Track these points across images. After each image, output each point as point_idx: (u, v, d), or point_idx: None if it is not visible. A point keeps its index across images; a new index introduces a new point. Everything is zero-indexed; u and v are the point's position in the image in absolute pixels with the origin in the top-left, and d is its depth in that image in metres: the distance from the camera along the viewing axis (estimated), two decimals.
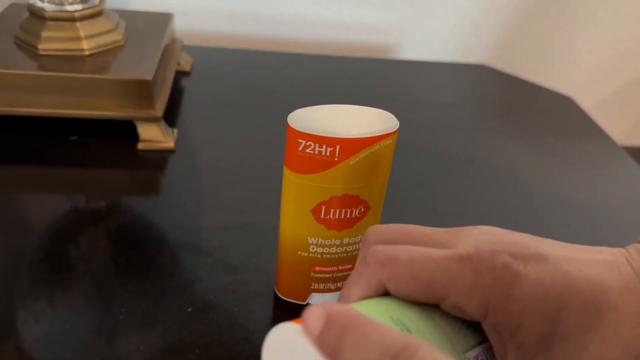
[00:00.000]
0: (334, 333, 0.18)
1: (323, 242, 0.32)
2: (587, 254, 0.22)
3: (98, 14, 0.51)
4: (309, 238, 0.32)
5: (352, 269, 0.34)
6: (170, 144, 0.49)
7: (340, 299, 0.24)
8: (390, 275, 0.22)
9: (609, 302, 0.21)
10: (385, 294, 0.23)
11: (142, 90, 0.47)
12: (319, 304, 0.19)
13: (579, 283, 0.21)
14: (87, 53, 0.50)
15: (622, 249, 0.23)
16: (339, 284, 0.34)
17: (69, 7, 0.49)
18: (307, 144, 0.28)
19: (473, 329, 0.22)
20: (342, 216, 0.31)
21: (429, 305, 0.22)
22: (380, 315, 0.21)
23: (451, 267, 0.21)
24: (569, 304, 0.21)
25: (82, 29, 0.50)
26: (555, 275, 0.21)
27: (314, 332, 0.18)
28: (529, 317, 0.20)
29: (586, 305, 0.21)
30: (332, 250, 0.32)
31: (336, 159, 0.28)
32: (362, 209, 0.31)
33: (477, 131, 0.59)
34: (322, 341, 0.18)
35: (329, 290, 0.34)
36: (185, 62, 0.63)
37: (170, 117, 0.54)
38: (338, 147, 0.28)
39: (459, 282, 0.21)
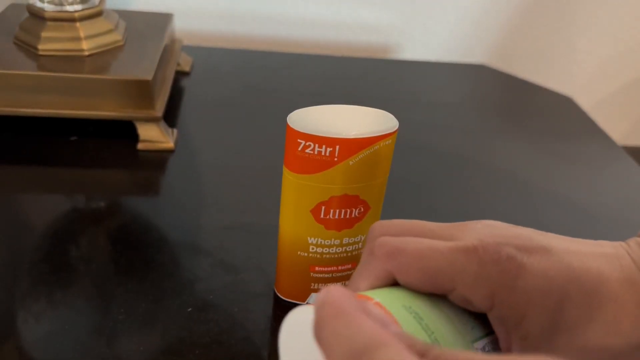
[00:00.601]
0: (318, 320, 0.18)
1: (323, 242, 0.32)
2: (588, 247, 0.23)
3: (98, 14, 0.51)
4: (308, 238, 0.32)
5: (352, 268, 0.34)
6: (170, 144, 0.49)
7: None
8: (398, 266, 0.22)
9: (609, 293, 0.21)
10: (392, 285, 0.23)
11: (142, 91, 0.47)
12: (332, 286, 0.19)
13: (581, 275, 0.21)
14: (87, 53, 0.50)
15: (622, 243, 0.23)
16: (338, 284, 0.34)
17: (69, 8, 0.49)
18: (307, 144, 0.28)
19: (479, 320, 0.23)
20: (342, 216, 0.31)
21: (436, 296, 0.22)
22: (394, 304, 0.21)
23: (457, 259, 0.21)
24: (571, 295, 0.21)
25: (82, 29, 0.50)
26: (558, 268, 0.21)
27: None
28: (533, 309, 0.21)
29: (588, 297, 0.21)
30: (332, 250, 0.32)
31: (336, 159, 0.28)
32: (362, 209, 0.31)
33: (477, 131, 0.59)
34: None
35: None
36: (185, 62, 0.63)
37: (170, 117, 0.54)
38: (338, 147, 0.28)
39: (465, 274, 0.21)
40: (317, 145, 0.28)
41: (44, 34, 0.49)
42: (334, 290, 0.18)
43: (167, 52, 0.56)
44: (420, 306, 0.22)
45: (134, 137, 0.49)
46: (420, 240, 0.23)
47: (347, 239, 0.32)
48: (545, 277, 0.21)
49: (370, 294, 0.22)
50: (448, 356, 0.16)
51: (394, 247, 0.23)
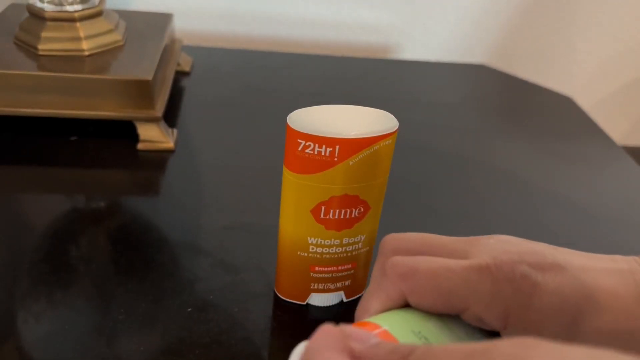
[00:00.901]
0: None
1: (323, 242, 0.32)
2: (602, 263, 0.23)
3: (98, 14, 0.51)
4: (308, 238, 0.32)
5: (352, 268, 0.34)
6: (170, 144, 0.49)
7: (360, 311, 0.24)
8: (411, 288, 0.22)
9: (625, 310, 0.21)
10: (405, 305, 0.23)
11: (142, 91, 0.47)
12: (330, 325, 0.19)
13: (595, 292, 0.21)
14: (87, 53, 0.50)
15: (636, 257, 0.23)
16: (338, 284, 0.34)
17: (69, 8, 0.49)
18: (307, 144, 0.28)
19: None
20: (342, 216, 0.31)
21: (448, 316, 0.22)
22: (402, 329, 0.21)
23: (471, 278, 0.21)
24: (586, 313, 0.21)
25: (82, 29, 0.50)
26: (573, 285, 0.21)
27: None
28: (548, 327, 0.21)
29: (602, 313, 0.21)
30: (332, 250, 0.32)
31: (336, 159, 0.28)
32: (362, 209, 0.31)
33: (477, 131, 0.59)
34: None
35: (328, 290, 0.34)
36: (185, 62, 0.63)
37: (170, 117, 0.54)
38: (338, 147, 0.28)
39: (478, 293, 0.21)
40: (317, 145, 0.28)
41: (44, 34, 0.49)
42: (318, 332, 0.19)
43: (167, 52, 0.56)
44: (430, 329, 0.21)
45: (134, 137, 0.49)
46: (432, 260, 0.22)
47: (347, 239, 0.32)
48: (559, 295, 0.21)
49: (378, 320, 0.22)
50: (432, 350, 0.16)
51: (407, 267, 0.23)
